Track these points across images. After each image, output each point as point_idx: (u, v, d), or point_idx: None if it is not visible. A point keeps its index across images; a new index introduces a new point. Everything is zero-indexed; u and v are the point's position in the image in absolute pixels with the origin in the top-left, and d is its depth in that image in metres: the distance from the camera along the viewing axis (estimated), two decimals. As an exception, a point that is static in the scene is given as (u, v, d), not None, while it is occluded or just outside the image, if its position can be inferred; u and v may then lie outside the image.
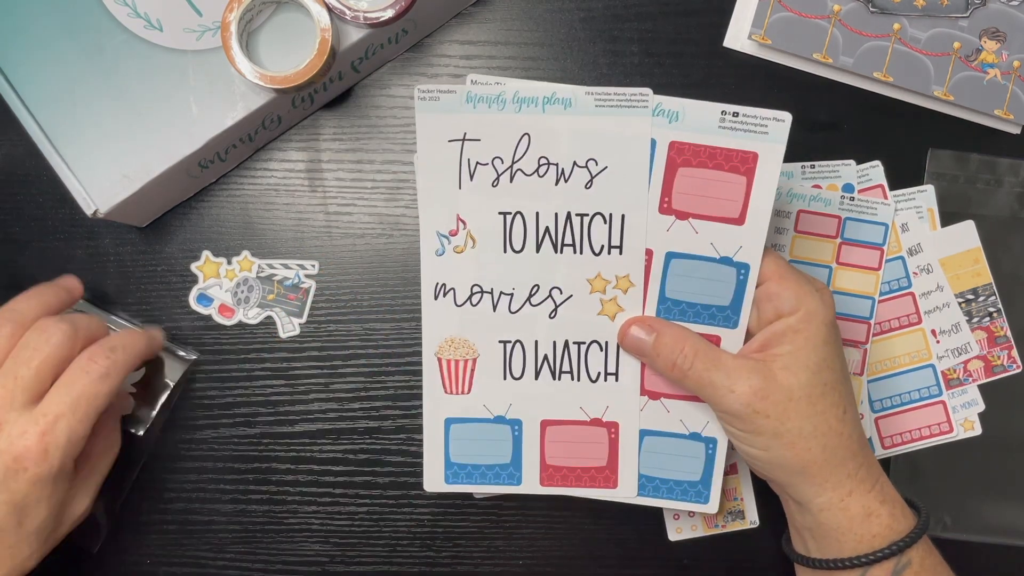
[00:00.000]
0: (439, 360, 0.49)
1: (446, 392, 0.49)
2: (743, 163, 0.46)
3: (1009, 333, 0.55)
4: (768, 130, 0.45)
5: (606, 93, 0.45)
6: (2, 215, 0.55)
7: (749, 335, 0.47)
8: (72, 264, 0.55)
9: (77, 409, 0.45)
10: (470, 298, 0.48)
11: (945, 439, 0.55)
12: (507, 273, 0.48)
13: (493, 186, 0.47)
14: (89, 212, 0.49)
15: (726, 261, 0.47)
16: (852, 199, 0.54)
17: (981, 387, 0.56)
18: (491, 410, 0.50)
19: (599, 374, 0.49)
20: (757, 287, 0.46)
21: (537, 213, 0.47)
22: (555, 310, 0.49)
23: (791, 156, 0.55)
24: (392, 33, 0.52)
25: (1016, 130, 0.56)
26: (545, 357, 0.49)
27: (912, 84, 0.54)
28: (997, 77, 0.54)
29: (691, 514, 0.55)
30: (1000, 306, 0.55)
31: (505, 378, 0.49)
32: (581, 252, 0.48)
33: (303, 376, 0.56)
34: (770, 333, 0.46)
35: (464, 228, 0.48)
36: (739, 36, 0.55)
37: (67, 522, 0.48)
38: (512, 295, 0.48)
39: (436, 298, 0.48)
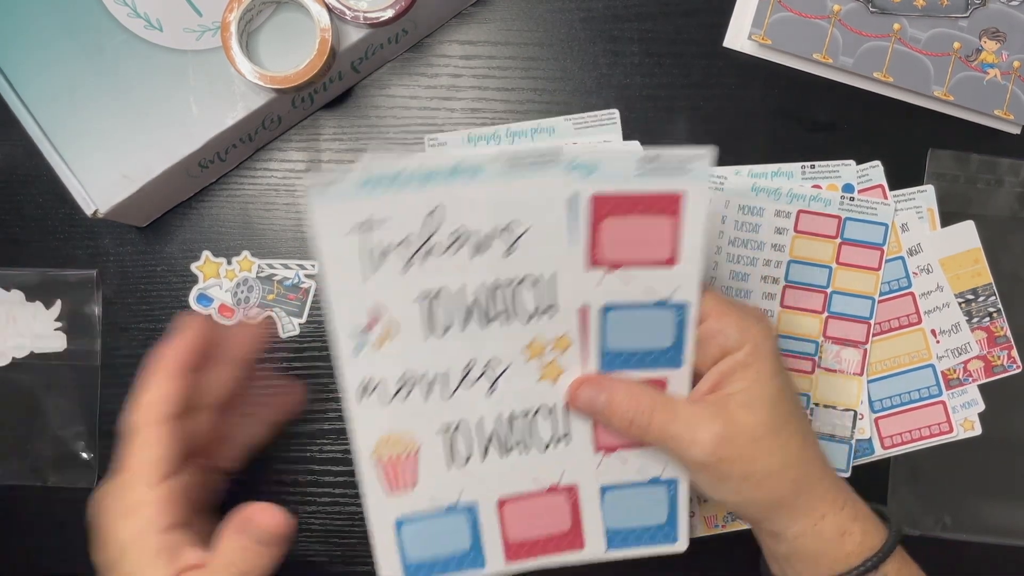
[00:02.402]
0: (377, 461, 0.45)
1: (390, 492, 0.45)
2: (668, 205, 0.43)
3: (1009, 333, 0.55)
4: (690, 168, 0.43)
5: (516, 155, 0.42)
6: (2, 215, 0.55)
7: (697, 375, 0.45)
8: (72, 264, 0.55)
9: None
10: (400, 390, 0.44)
11: (945, 439, 0.55)
12: (436, 357, 0.44)
13: (407, 269, 0.43)
14: (89, 212, 0.49)
15: (662, 305, 0.45)
16: (852, 199, 0.54)
17: (981, 387, 0.56)
18: (442, 501, 0.46)
19: (550, 440, 0.46)
20: (699, 325, 0.45)
21: (459, 289, 0.44)
22: (494, 384, 0.45)
23: (791, 156, 0.55)
24: (392, 33, 0.52)
25: (1016, 130, 0.56)
26: (491, 435, 0.46)
27: (912, 84, 0.54)
28: (997, 77, 0.54)
29: (691, 514, 0.55)
30: (1000, 306, 0.55)
31: (451, 465, 0.46)
32: (512, 321, 0.44)
33: (303, 376, 0.55)
34: (719, 372, 0.44)
35: (381, 319, 0.43)
36: (739, 36, 0.55)
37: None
38: (445, 378, 0.45)
39: (362, 399, 0.44)
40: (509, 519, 0.47)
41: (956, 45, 0.54)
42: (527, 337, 0.45)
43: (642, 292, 0.45)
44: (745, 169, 0.55)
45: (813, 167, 0.55)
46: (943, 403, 0.55)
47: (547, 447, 0.46)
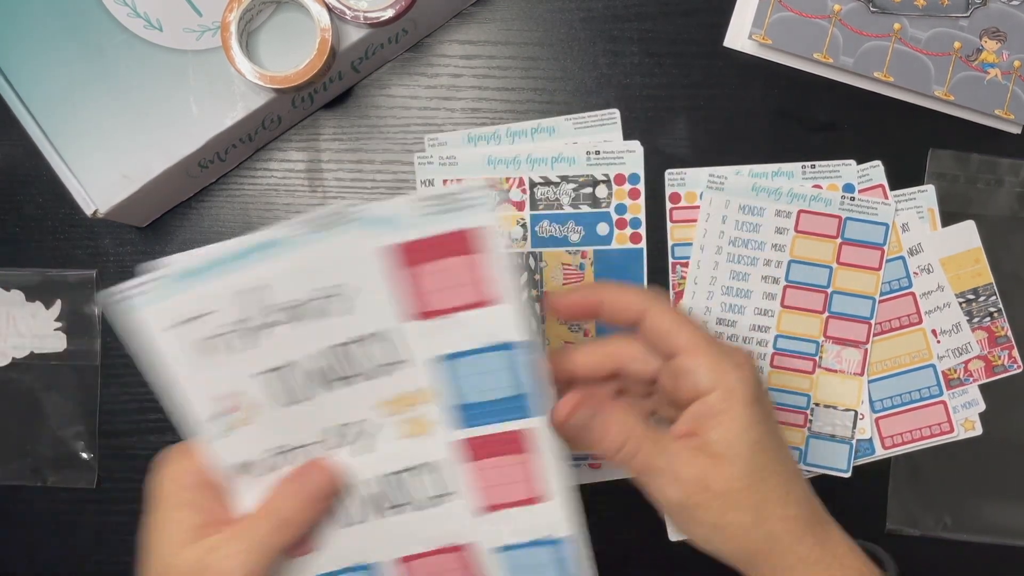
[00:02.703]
0: None
1: (290, 558, 0.44)
2: (467, 242, 0.41)
3: (1010, 333, 0.55)
4: (476, 202, 0.41)
5: (312, 220, 0.41)
6: (2, 215, 0.55)
7: (677, 410, 0.43)
8: (72, 264, 0.55)
9: None
10: (268, 467, 0.43)
11: (946, 439, 0.55)
12: (294, 430, 0.43)
13: (240, 352, 0.42)
14: (89, 212, 0.49)
15: (497, 347, 0.42)
16: (852, 199, 0.54)
17: (982, 387, 0.55)
18: (340, 563, 0.45)
19: (434, 498, 0.44)
20: (671, 360, 0.43)
21: (301, 359, 0.42)
22: (359, 448, 0.44)
23: (791, 156, 0.55)
24: (392, 33, 0.52)
25: (1016, 130, 0.56)
26: (369, 498, 0.44)
27: (912, 84, 0.54)
28: (997, 77, 0.54)
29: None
30: (1001, 306, 0.55)
31: (343, 527, 0.44)
32: (361, 382, 0.43)
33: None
34: (693, 417, 0.42)
35: (231, 404, 0.43)
36: (739, 36, 0.55)
37: None
38: (311, 447, 0.43)
39: (235, 481, 0.43)
40: None
41: (957, 45, 0.54)
42: (380, 396, 0.43)
43: (472, 337, 0.42)
44: (746, 169, 0.55)
45: (814, 167, 0.55)
46: (944, 403, 0.55)
47: (426, 507, 0.45)
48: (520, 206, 0.54)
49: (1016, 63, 0.54)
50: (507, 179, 0.54)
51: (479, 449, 0.44)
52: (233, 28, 0.48)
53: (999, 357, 0.56)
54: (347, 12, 0.49)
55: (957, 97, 0.54)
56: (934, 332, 0.55)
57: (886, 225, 0.55)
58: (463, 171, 0.54)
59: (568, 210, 0.55)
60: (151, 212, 0.55)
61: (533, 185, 0.54)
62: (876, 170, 0.55)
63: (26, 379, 0.55)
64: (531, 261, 0.54)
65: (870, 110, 0.56)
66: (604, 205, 0.55)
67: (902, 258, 0.55)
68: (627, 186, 0.55)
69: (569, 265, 0.54)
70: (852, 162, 0.55)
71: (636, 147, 0.55)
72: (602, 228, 0.55)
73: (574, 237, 0.55)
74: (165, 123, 0.50)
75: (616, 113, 0.55)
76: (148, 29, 0.50)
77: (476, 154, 0.54)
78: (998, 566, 0.56)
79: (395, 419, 0.44)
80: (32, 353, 0.55)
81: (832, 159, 0.55)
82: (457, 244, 0.42)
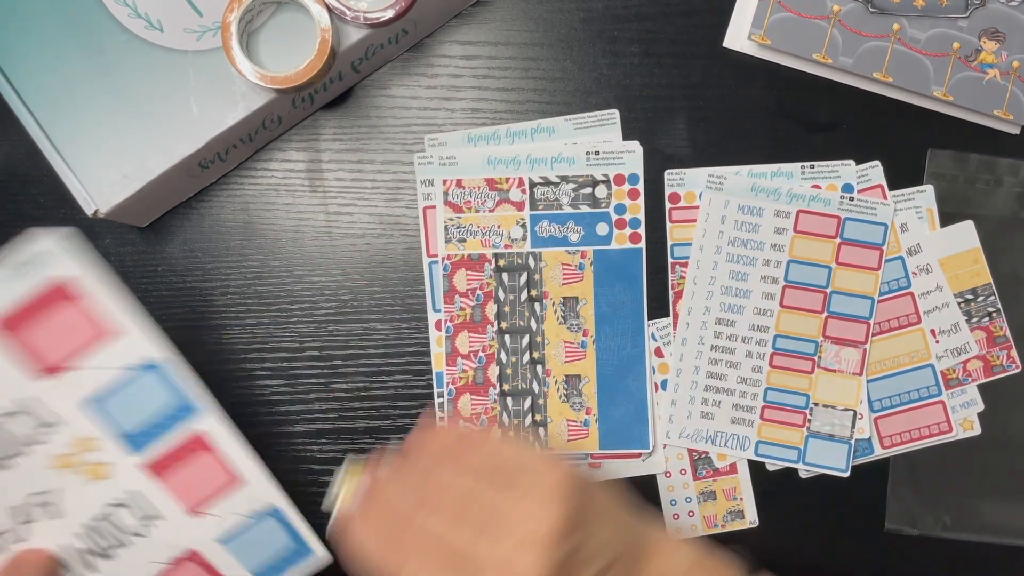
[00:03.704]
0: None
1: None
2: (61, 293, 0.44)
3: (1008, 333, 0.55)
4: (49, 258, 0.43)
5: None
6: (2, 215, 0.55)
7: None
8: (72, 264, 0.55)
9: None
10: None
11: (944, 439, 0.55)
12: None
13: None
14: (89, 212, 0.49)
15: (140, 370, 0.45)
16: (851, 199, 0.55)
17: (980, 387, 0.56)
18: None
19: (143, 526, 0.47)
20: None
21: None
22: (51, 513, 0.46)
23: (791, 156, 0.55)
24: (392, 33, 0.52)
25: (1015, 130, 0.56)
26: (88, 550, 0.46)
27: (912, 84, 0.54)
28: (996, 77, 0.54)
29: (691, 514, 0.55)
30: (999, 306, 0.55)
31: None
32: (28, 452, 0.45)
33: (303, 376, 0.56)
34: None
35: None
36: (739, 36, 0.55)
37: None
38: (4, 535, 0.45)
39: None
40: None
41: (955, 45, 0.54)
42: (51, 456, 0.45)
43: (110, 371, 0.45)
44: (745, 169, 0.55)
45: (813, 167, 0.55)
46: (942, 403, 0.55)
47: (146, 533, 0.47)
48: (520, 206, 0.54)
49: (1015, 63, 0.54)
50: (507, 179, 0.54)
51: (164, 464, 0.46)
52: (233, 28, 0.48)
53: (998, 357, 0.56)
54: (347, 12, 0.49)
55: (956, 97, 0.54)
56: (933, 332, 0.55)
57: (885, 225, 0.55)
58: (463, 171, 0.54)
59: (568, 210, 0.55)
60: (151, 212, 0.55)
61: (533, 185, 0.54)
62: (875, 170, 0.55)
63: (26, 379, 0.55)
64: (531, 261, 0.54)
65: (869, 110, 0.56)
66: (604, 205, 0.55)
67: (901, 258, 0.55)
68: (627, 186, 0.55)
69: (569, 265, 0.55)
70: (851, 162, 0.55)
71: (635, 147, 0.55)
72: (602, 228, 0.55)
73: (574, 237, 0.55)
74: (166, 123, 0.50)
75: (615, 113, 0.55)
76: (149, 29, 0.50)
77: (476, 154, 0.55)
78: (997, 566, 0.56)
79: (73, 472, 0.45)
80: (32, 353, 0.55)
81: (831, 159, 0.55)
82: (52, 298, 0.44)
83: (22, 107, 0.49)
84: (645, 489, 0.55)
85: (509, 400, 0.54)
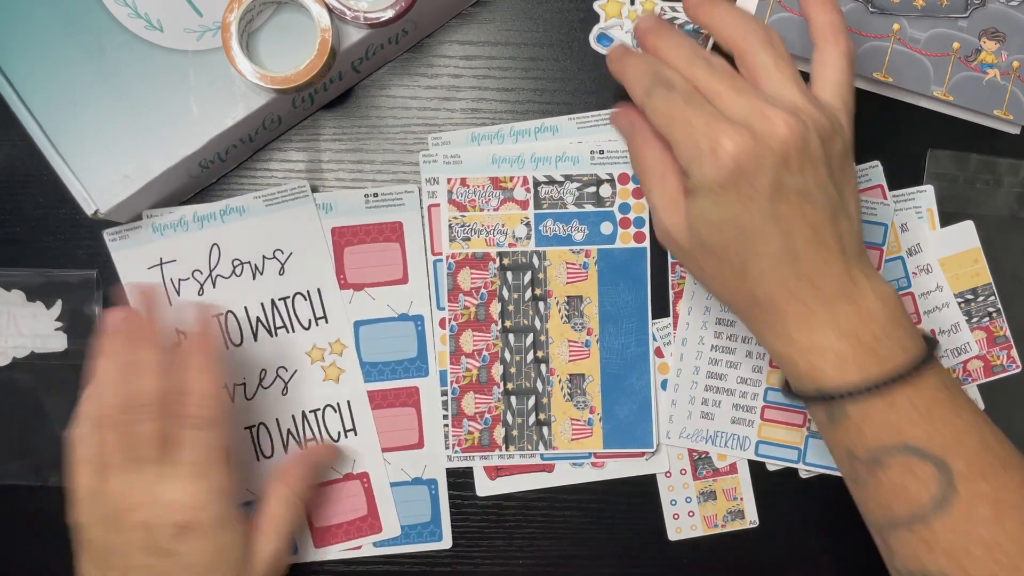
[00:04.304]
0: None
1: None
2: (393, 232, 0.54)
3: (1008, 333, 0.55)
4: (404, 202, 0.54)
5: (271, 194, 0.53)
6: (2, 215, 0.55)
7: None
8: (72, 264, 0.55)
9: (206, 464, 0.47)
10: None
11: None
12: (234, 366, 0.53)
13: (200, 295, 0.53)
14: (89, 212, 0.49)
15: (403, 317, 0.54)
16: None
17: (980, 387, 0.56)
18: (253, 492, 0.53)
19: (339, 434, 0.54)
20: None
21: (245, 307, 0.54)
22: (285, 387, 0.54)
23: (791, 156, 0.55)
24: (392, 33, 0.52)
25: (1015, 130, 0.56)
26: (288, 431, 0.54)
27: (911, 84, 0.54)
28: (996, 77, 0.54)
29: (691, 513, 0.55)
30: (999, 306, 0.55)
31: (258, 459, 0.54)
32: (293, 330, 0.54)
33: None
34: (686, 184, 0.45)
35: (185, 338, 0.52)
36: (739, 36, 0.55)
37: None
38: (244, 384, 0.54)
39: None
40: (312, 506, 0.54)
41: (955, 45, 0.54)
42: (308, 344, 0.54)
43: (385, 308, 0.54)
44: None
45: None
46: None
47: (337, 440, 0.54)
48: (524, 205, 0.54)
49: (1015, 63, 0.54)
50: (511, 178, 0.54)
51: (381, 399, 0.54)
52: (233, 28, 0.48)
53: (998, 357, 0.56)
54: (347, 12, 0.49)
55: (956, 97, 0.54)
56: (933, 332, 0.55)
57: (885, 225, 0.55)
58: (468, 170, 0.54)
59: (572, 209, 0.55)
60: (151, 212, 0.55)
61: (537, 184, 0.54)
62: (875, 170, 0.55)
63: (27, 379, 0.55)
64: (535, 260, 0.54)
65: (869, 110, 0.56)
66: (608, 204, 0.55)
67: (901, 258, 0.55)
68: (631, 185, 0.55)
69: (573, 264, 0.54)
70: None
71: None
72: (606, 227, 0.55)
73: (578, 236, 0.55)
74: (166, 123, 0.50)
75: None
76: (149, 30, 0.50)
77: (480, 153, 0.55)
78: (997, 565, 0.56)
79: (317, 365, 0.54)
80: (33, 353, 0.55)
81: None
82: (391, 232, 0.54)
83: (22, 107, 0.49)
84: (645, 489, 0.55)
85: (513, 399, 0.54)
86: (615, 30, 0.53)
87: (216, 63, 0.50)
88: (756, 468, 0.55)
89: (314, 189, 0.55)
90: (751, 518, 0.55)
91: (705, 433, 0.55)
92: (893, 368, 0.42)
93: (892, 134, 0.56)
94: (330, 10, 0.49)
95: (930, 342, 0.44)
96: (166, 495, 0.46)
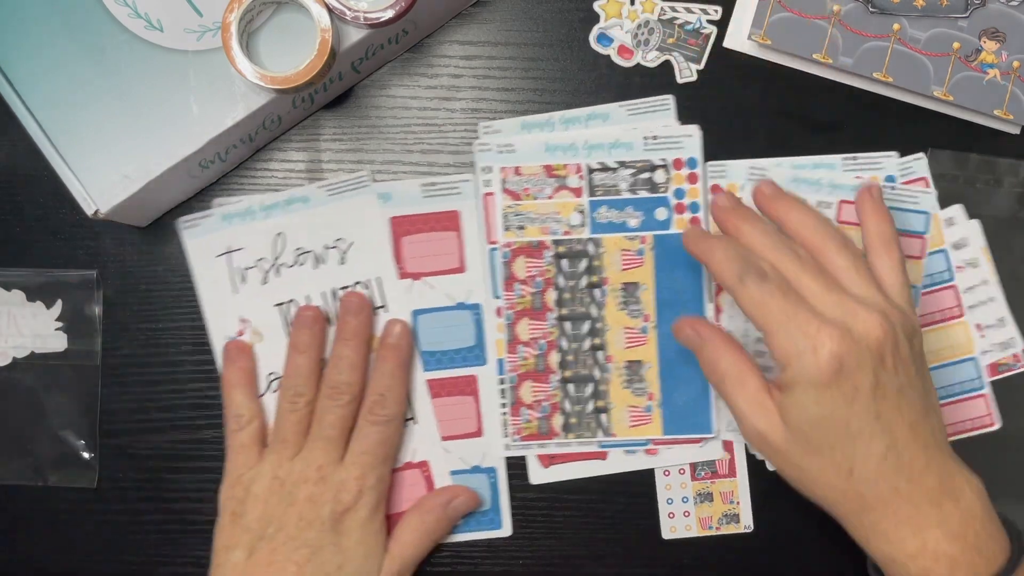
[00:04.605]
0: None
1: None
2: (450, 221, 0.54)
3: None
4: (461, 190, 0.54)
5: (333, 184, 0.54)
6: (2, 215, 0.56)
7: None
8: (72, 264, 0.55)
9: (376, 454, 0.51)
10: (268, 387, 0.54)
11: (987, 431, 0.55)
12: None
13: (264, 284, 0.54)
14: (90, 212, 0.49)
15: (461, 307, 0.54)
16: (893, 188, 0.54)
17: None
18: None
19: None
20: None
21: (307, 296, 0.54)
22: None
23: (791, 156, 0.55)
24: (392, 33, 0.52)
25: (1016, 130, 0.56)
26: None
27: (912, 84, 0.54)
28: (997, 77, 0.54)
29: (686, 514, 0.55)
30: (1000, 306, 0.55)
31: None
32: None
33: (303, 376, 0.56)
34: (777, 379, 0.46)
35: (248, 327, 0.54)
36: (739, 36, 0.55)
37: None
38: None
39: None
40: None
41: (956, 45, 0.54)
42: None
43: (443, 297, 0.54)
44: (787, 161, 0.55)
45: (855, 159, 0.55)
46: (984, 396, 0.55)
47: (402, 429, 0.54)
48: (578, 192, 0.54)
49: (1015, 63, 0.54)
50: (564, 165, 0.54)
51: (439, 387, 0.54)
52: (233, 28, 0.48)
53: (1002, 357, 0.56)
54: (347, 13, 0.49)
55: (956, 97, 0.54)
56: (978, 326, 0.55)
57: (927, 213, 0.54)
58: (521, 159, 0.54)
59: (626, 195, 0.54)
60: (152, 212, 0.55)
61: (591, 171, 0.54)
62: (919, 162, 0.55)
63: (27, 379, 0.55)
64: (590, 247, 0.54)
65: (869, 110, 0.56)
66: (662, 190, 0.54)
67: (944, 251, 0.55)
68: (685, 170, 0.54)
69: (628, 251, 0.54)
70: (894, 154, 0.54)
71: (694, 131, 0.54)
72: (661, 213, 0.54)
73: (633, 223, 0.54)
74: (166, 123, 0.50)
75: (670, 99, 0.55)
76: (149, 30, 0.50)
77: (533, 141, 0.54)
78: (997, 566, 0.56)
79: (373, 355, 0.53)
80: (33, 353, 0.55)
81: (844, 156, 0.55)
82: (448, 220, 0.54)
83: (22, 107, 0.49)
84: (646, 489, 0.55)
85: (571, 387, 0.54)
86: (615, 30, 0.53)
87: (216, 63, 0.50)
88: (755, 468, 0.55)
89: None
90: (746, 523, 0.55)
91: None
92: (998, 567, 0.43)
93: (892, 134, 0.56)
94: (330, 10, 0.49)
95: (1013, 530, 0.46)
96: (336, 476, 0.50)
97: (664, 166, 0.54)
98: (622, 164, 0.54)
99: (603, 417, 0.54)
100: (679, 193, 0.54)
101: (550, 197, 0.54)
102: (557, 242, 0.54)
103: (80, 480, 0.55)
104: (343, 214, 0.54)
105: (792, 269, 0.45)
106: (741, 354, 0.47)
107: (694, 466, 0.55)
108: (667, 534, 0.55)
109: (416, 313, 0.54)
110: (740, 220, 0.48)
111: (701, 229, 0.51)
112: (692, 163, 0.54)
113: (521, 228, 0.54)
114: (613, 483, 0.55)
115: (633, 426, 0.54)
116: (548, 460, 0.55)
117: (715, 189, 0.55)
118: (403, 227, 0.54)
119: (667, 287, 0.54)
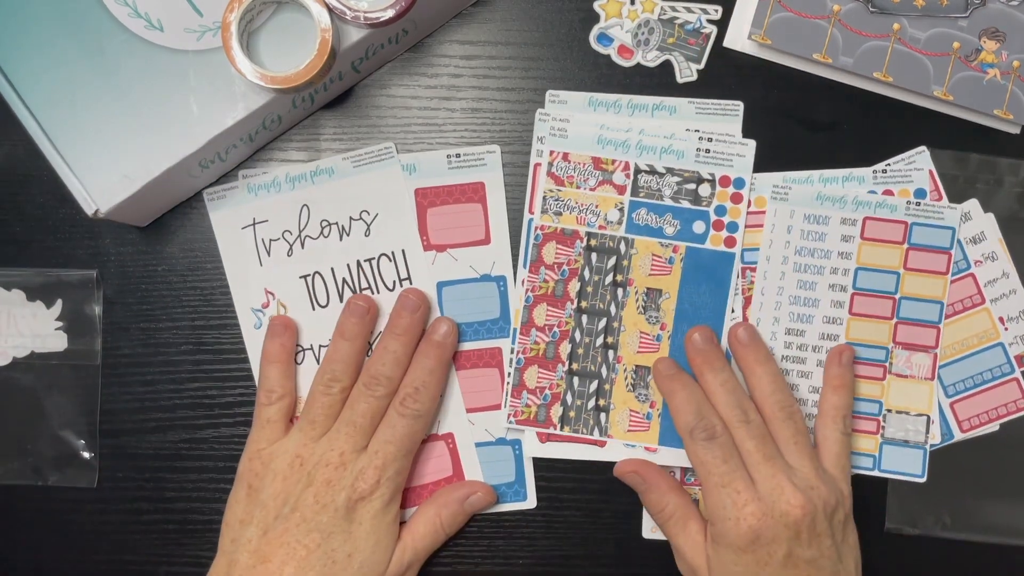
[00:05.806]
0: None
1: None
2: (475, 193, 0.54)
3: (1009, 333, 0.55)
4: (486, 162, 0.54)
5: (358, 155, 0.54)
6: (3, 215, 0.56)
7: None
8: (73, 264, 0.55)
9: (400, 445, 0.51)
10: (294, 358, 0.54)
11: (1022, 415, 0.55)
12: (320, 327, 0.54)
13: (288, 256, 0.54)
14: (90, 212, 0.49)
15: (485, 278, 0.54)
16: (917, 204, 0.54)
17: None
18: None
19: None
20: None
21: (332, 268, 0.54)
22: (370, 348, 0.54)
23: (791, 156, 0.55)
24: (392, 33, 0.52)
25: (1015, 130, 0.56)
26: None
27: (912, 84, 0.54)
28: (996, 77, 0.54)
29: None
30: (1000, 306, 0.55)
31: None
32: (378, 291, 0.54)
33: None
34: (709, 528, 0.50)
35: (273, 299, 0.54)
36: (739, 36, 0.55)
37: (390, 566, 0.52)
38: (329, 346, 0.53)
39: None
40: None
41: (956, 45, 0.54)
42: (392, 305, 0.54)
43: (468, 269, 0.54)
44: (816, 174, 0.55)
45: (885, 171, 0.55)
46: (1017, 380, 0.55)
47: None
48: (621, 190, 0.54)
49: (1015, 63, 0.54)
50: (613, 161, 0.54)
51: (465, 360, 0.55)
52: (234, 28, 0.48)
53: (999, 357, 0.56)
54: (347, 12, 0.49)
55: (956, 97, 0.54)
56: (1001, 320, 0.55)
57: (952, 229, 0.54)
58: (572, 145, 0.54)
59: (668, 202, 0.54)
60: (152, 212, 0.55)
61: (638, 172, 0.54)
62: (922, 156, 0.55)
63: (27, 379, 0.55)
64: (622, 246, 0.54)
65: (869, 110, 0.56)
66: (705, 204, 0.54)
67: (959, 241, 0.55)
68: (731, 189, 0.54)
69: (659, 257, 0.54)
70: (925, 154, 0.55)
71: (749, 148, 0.54)
72: (698, 226, 0.54)
73: (669, 230, 0.54)
74: (166, 123, 0.50)
75: (740, 106, 0.55)
76: (149, 29, 0.50)
77: (587, 131, 0.54)
78: (998, 566, 0.56)
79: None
80: (33, 353, 0.55)
81: (836, 159, 0.55)
82: (473, 192, 0.54)
83: (22, 107, 0.49)
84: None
85: (575, 380, 0.54)
86: (615, 30, 0.53)
87: (216, 63, 0.50)
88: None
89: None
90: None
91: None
92: None
93: (892, 134, 0.56)
94: (330, 10, 0.49)
95: None
96: (357, 464, 0.50)
97: (711, 180, 0.54)
98: (670, 171, 0.54)
99: (602, 416, 0.54)
100: (720, 210, 0.54)
101: (592, 189, 0.54)
102: (590, 235, 0.54)
103: (80, 480, 0.55)
104: (368, 185, 0.54)
105: (739, 433, 0.50)
106: (685, 497, 0.52)
107: (684, 471, 0.55)
108: (648, 533, 0.55)
109: (440, 285, 0.54)
110: (706, 366, 0.52)
111: (672, 363, 0.53)
112: (739, 183, 0.54)
113: (558, 214, 0.54)
114: (613, 485, 0.55)
115: (631, 431, 0.54)
116: (545, 437, 0.55)
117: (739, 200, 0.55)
118: (428, 198, 0.54)
119: (689, 300, 0.54)
